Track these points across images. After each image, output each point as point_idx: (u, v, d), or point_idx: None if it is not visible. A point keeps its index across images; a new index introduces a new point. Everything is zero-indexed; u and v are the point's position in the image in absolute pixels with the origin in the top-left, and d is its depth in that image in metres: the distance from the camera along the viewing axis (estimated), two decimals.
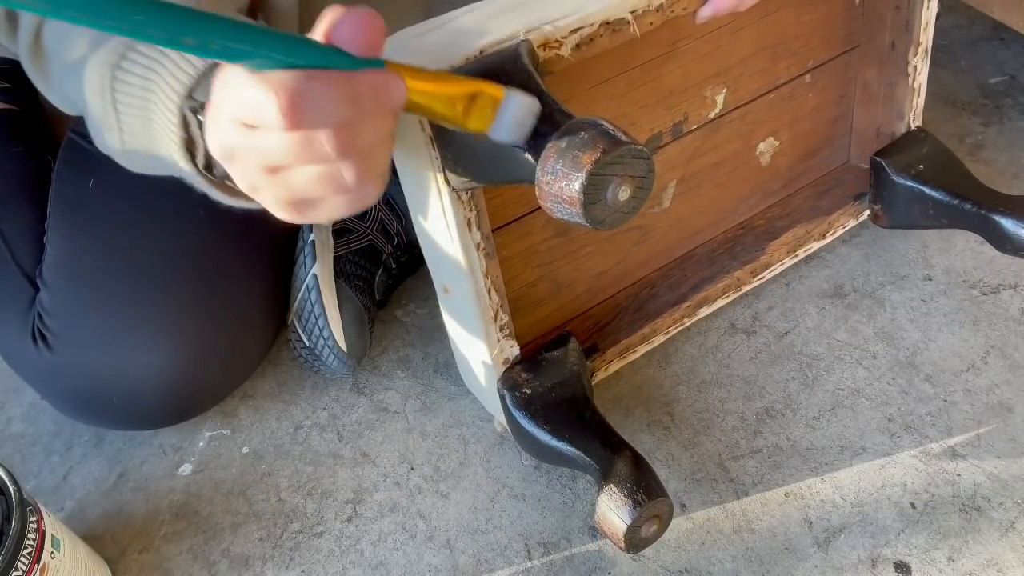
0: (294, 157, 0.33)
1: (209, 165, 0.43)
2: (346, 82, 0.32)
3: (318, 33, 0.33)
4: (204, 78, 0.40)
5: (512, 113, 0.38)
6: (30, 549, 0.50)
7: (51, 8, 0.27)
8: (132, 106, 0.42)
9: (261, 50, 0.31)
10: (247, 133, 0.33)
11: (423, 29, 0.43)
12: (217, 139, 0.35)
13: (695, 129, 0.62)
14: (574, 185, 0.35)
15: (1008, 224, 0.60)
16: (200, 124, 0.41)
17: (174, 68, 0.41)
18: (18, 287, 0.63)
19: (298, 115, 0.31)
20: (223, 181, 0.43)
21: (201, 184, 0.43)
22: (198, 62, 0.40)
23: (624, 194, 0.37)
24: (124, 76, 0.42)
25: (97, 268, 0.61)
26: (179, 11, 0.29)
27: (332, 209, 0.36)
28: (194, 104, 0.40)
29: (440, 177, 0.45)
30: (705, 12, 0.48)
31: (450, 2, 0.47)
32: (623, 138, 0.35)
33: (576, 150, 0.35)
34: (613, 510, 0.48)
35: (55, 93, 0.49)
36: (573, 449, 0.52)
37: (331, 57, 0.33)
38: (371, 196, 0.36)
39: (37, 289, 0.63)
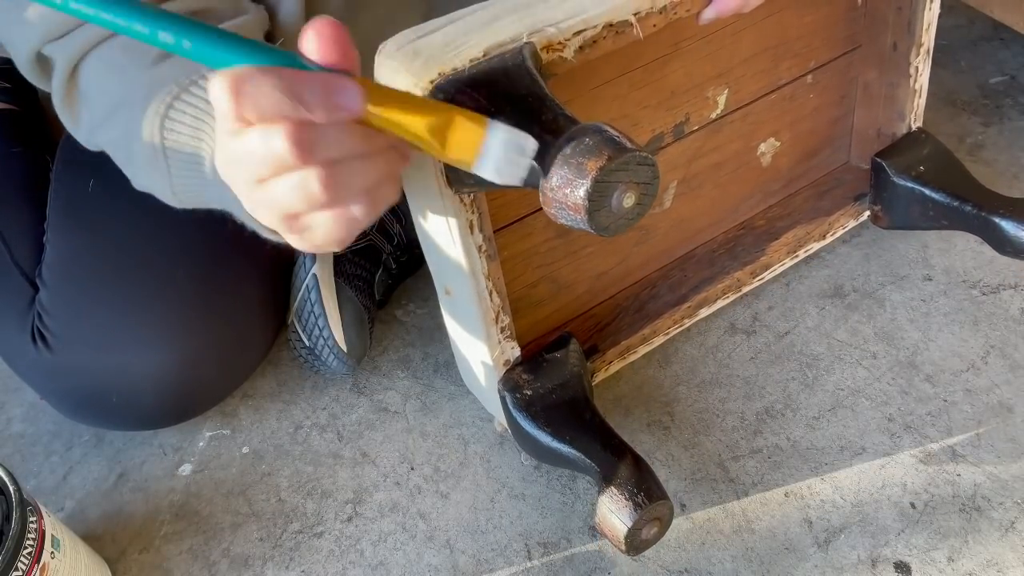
0: (259, 158, 0.33)
1: None
2: (293, 76, 0.32)
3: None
4: None
5: (499, 149, 0.35)
6: (30, 549, 0.50)
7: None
8: (182, 151, 0.44)
9: (224, 53, 0.33)
10: (231, 139, 0.34)
11: (424, 30, 0.43)
12: (216, 158, 0.36)
13: (697, 130, 0.62)
14: (579, 192, 0.35)
15: (1008, 226, 0.60)
16: None
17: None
18: (18, 287, 0.63)
19: (239, 99, 0.31)
20: None
21: (249, 220, 0.43)
22: None
23: (629, 201, 0.36)
24: (174, 125, 0.43)
25: (97, 268, 0.61)
26: (162, 12, 0.33)
27: (322, 227, 0.36)
28: None
29: (442, 180, 0.45)
30: (709, 14, 0.48)
31: (451, 4, 0.46)
32: (628, 144, 0.35)
33: (581, 157, 0.35)
34: (614, 512, 0.48)
35: (86, 134, 0.50)
36: (574, 451, 0.52)
37: (292, 64, 0.33)
38: (357, 215, 0.35)
39: (36, 289, 0.63)
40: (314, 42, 0.33)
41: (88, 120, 0.49)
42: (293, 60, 0.33)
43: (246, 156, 0.33)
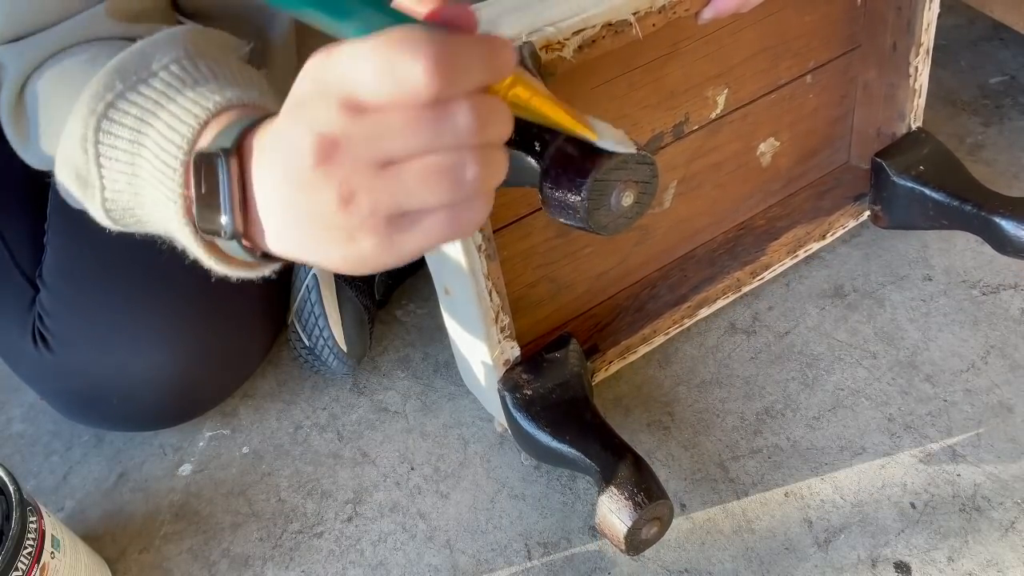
0: (421, 138, 0.28)
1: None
2: (480, 43, 0.27)
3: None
4: (212, 127, 0.36)
5: (605, 125, 0.36)
6: (30, 549, 0.50)
7: None
8: (118, 160, 0.38)
9: (364, 7, 0.28)
10: (355, 118, 0.28)
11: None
12: (304, 131, 0.29)
13: (696, 130, 0.62)
14: (578, 191, 0.35)
15: (1008, 226, 0.60)
16: (208, 170, 0.35)
17: (175, 118, 0.36)
18: (18, 288, 0.63)
19: (447, 74, 0.26)
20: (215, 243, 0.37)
21: (195, 250, 0.37)
22: (201, 112, 0.36)
23: (628, 200, 0.37)
24: (111, 127, 0.37)
25: (97, 269, 0.61)
26: None
27: (429, 230, 0.30)
28: (208, 152, 0.35)
29: None
30: (707, 14, 0.48)
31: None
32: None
33: (580, 156, 0.35)
34: (614, 512, 0.48)
35: (34, 155, 0.46)
36: (574, 451, 0.52)
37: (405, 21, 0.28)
38: (478, 215, 0.30)
39: (37, 290, 0.63)
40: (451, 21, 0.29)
41: (33, 133, 0.45)
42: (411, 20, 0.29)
43: (396, 135, 0.28)
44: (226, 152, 0.33)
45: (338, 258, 0.31)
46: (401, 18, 0.29)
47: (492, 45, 0.28)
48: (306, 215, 0.31)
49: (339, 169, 0.29)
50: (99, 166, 0.38)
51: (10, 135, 0.47)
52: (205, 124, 0.36)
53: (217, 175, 0.33)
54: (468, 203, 0.30)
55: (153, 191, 0.37)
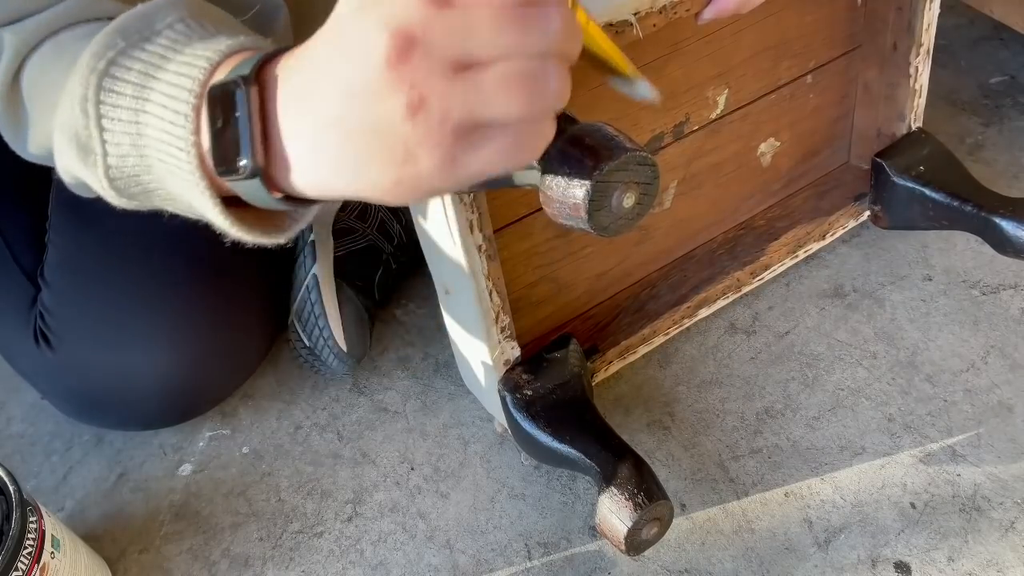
0: (509, 37, 0.26)
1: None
2: None
3: None
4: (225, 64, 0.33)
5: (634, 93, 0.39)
6: (30, 549, 0.50)
7: None
8: (121, 119, 0.35)
9: None
10: (439, 10, 0.26)
11: None
12: (379, 26, 0.26)
13: (696, 130, 0.62)
14: (579, 192, 0.35)
15: (1008, 226, 0.60)
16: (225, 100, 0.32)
17: (184, 65, 0.34)
18: (19, 286, 0.63)
19: None
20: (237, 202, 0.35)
21: (208, 208, 0.35)
22: (213, 54, 0.33)
23: (629, 201, 0.36)
24: (114, 84, 0.35)
25: (98, 268, 0.61)
26: None
27: (495, 150, 0.28)
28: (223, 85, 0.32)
29: None
30: (708, 15, 0.48)
31: None
32: (628, 144, 0.35)
33: (581, 157, 0.35)
34: (614, 513, 0.48)
35: (30, 140, 0.44)
36: (574, 451, 0.52)
37: None
38: (544, 138, 0.29)
39: (38, 288, 0.63)
40: None
41: (27, 115, 0.42)
42: None
43: (483, 32, 0.26)
44: (245, 79, 0.31)
45: (390, 181, 0.29)
46: None
47: None
48: (361, 129, 0.28)
49: (413, 71, 0.26)
50: (101, 128, 0.36)
51: (2, 123, 0.44)
52: (216, 66, 0.33)
53: (235, 104, 0.31)
54: (538, 123, 0.29)
55: (160, 147, 0.34)
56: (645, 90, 0.39)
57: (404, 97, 0.27)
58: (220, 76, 0.33)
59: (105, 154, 0.36)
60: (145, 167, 0.36)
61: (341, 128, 0.29)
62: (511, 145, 0.29)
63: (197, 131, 0.33)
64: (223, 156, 0.32)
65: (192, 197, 0.35)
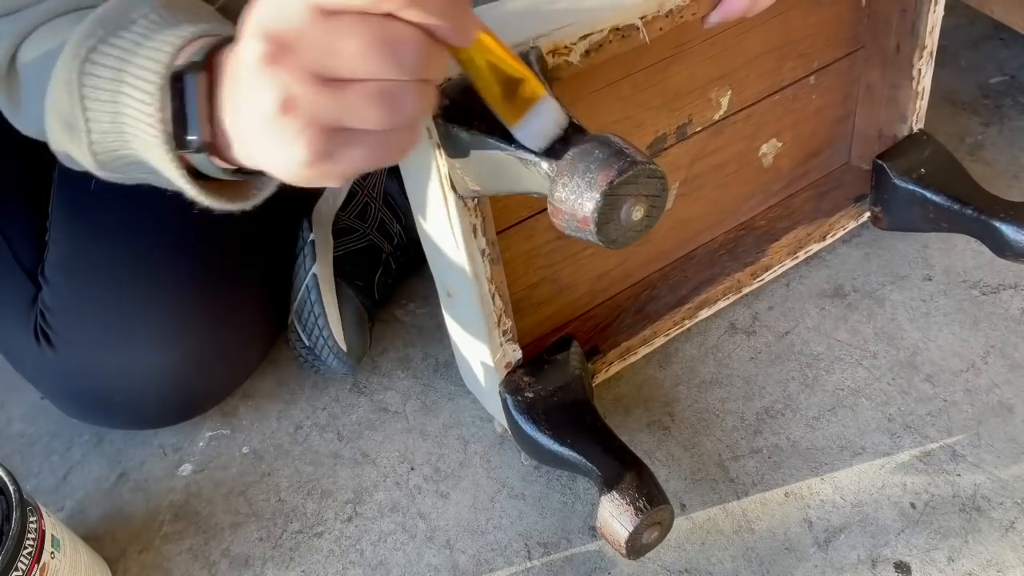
0: (371, 63, 0.30)
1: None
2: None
3: None
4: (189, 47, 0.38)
5: (543, 118, 0.37)
6: (30, 549, 0.50)
7: None
8: (101, 100, 0.39)
9: None
10: (314, 24, 0.30)
11: None
12: (260, 31, 0.31)
13: (699, 131, 0.62)
14: (588, 205, 0.35)
15: (1008, 230, 0.61)
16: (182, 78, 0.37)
17: (153, 50, 0.38)
18: (20, 285, 0.63)
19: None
20: (199, 174, 0.40)
21: (176, 177, 0.39)
22: (177, 39, 0.38)
23: (638, 214, 0.36)
24: (94, 69, 0.39)
25: (99, 266, 0.61)
26: None
27: (363, 151, 0.32)
28: (182, 68, 0.37)
29: (446, 184, 0.44)
30: (714, 18, 0.48)
31: None
32: (638, 157, 0.35)
33: (590, 170, 0.35)
34: (615, 517, 0.48)
35: (27, 117, 0.47)
36: (575, 454, 0.52)
37: None
38: (409, 144, 0.33)
39: (39, 287, 0.62)
40: None
41: (24, 95, 0.46)
42: None
43: (348, 48, 0.30)
44: (195, 65, 0.36)
45: (280, 163, 0.33)
46: None
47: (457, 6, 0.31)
48: (252, 115, 0.32)
49: (284, 73, 0.30)
50: (84, 108, 0.40)
51: (2, 102, 0.48)
52: (180, 49, 0.37)
53: (185, 87, 0.36)
54: (402, 131, 0.32)
55: (135, 124, 0.39)
56: (525, 138, 0.38)
57: (278, 94, 0.31)
58: (180, 60, 0.37)
59: (89, 131, 0.40)
60: (123, 142, 0.40)
61: (245, 112, 0.33)
62: (377, 147, 0.32)
63: (163, 108, 0.37)
64: (176, 132, 0.37)
65: (163, 168, 0.39)
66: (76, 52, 0.39)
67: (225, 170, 0.39)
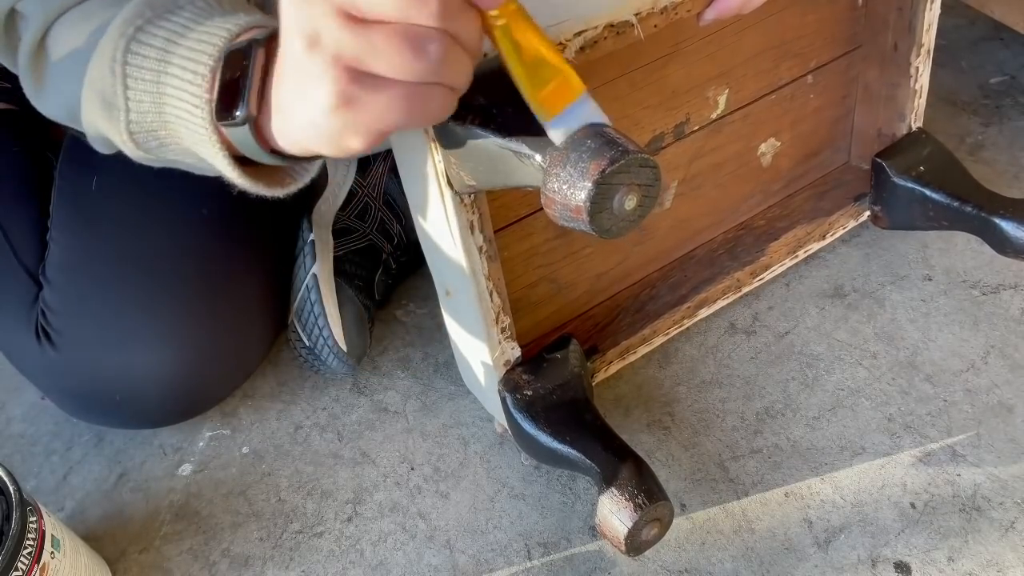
0: (396, 6, 0.31)
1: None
2: None
3: None
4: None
5: (579, 117, 0.36)
6: (30, 549, 0.50)
7: None
8: (144, 79, 0.40)
9: None
10: None
11: None
12: None
13: (697, 130, 0.62)
14: (580, 194, 0.35)
15: (1008, 227, 0.60)
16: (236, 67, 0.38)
17: (207, 34, 0.39)
18: (21, 284, 0.63)
19: None
20: (246, 157, 0.41)
21: (216, 156, 0.40)
22: (234, 27, 0.39)
23: (630, 203, 0.36)
24: (140, 48, 0.40)
25: (101, 266, 0.61)
26: None
27: (387, 103, 0.33)
28: (234, 46, 0.38)
29: (443, 181, 0.45)
30: (709, 16, 0.48)
31: None
32: (630, 146, 0.35)
33: (582, 159, 0.35)
34: (614, 513, 0.48)
35: (51, 98, 0.48)
36: (574, 452, 0.52)
37: None
38: (436, 106, 0.33)
39: (40, 287, 0.63)
40: None
41: (52, 76, 0.47)
42: None
43: None
44: (258, 42, 0.37)
45: (307, 113, 0.34)
46: None
47: None
48: (285, 64, 0.34)
49: (311, 8, 0.32)
50: (125, 87, 0.41)
51: (27, 84, 0.48)
52: (235, 37, 0.39)
53: (248, 57, 0.37)
54: (428, 89, 0.33)
55: (178, 104, 0.40)
56: (558, 135, 0.36)
57: (305, 30, 0.32)
58: (236, 44, 0.39)
59: (127, 110, 0.42)
60: (162, 123, 0.41)
61: (287, 75, 0.35)
62: (403, 100, 0.33)
63: (211, 90, 0.39)
64: (226, 102, 0.38)
65: (201, 148, 0.40)
66: (123, 31, 0.41)
67: (264, 151, 0.39)
